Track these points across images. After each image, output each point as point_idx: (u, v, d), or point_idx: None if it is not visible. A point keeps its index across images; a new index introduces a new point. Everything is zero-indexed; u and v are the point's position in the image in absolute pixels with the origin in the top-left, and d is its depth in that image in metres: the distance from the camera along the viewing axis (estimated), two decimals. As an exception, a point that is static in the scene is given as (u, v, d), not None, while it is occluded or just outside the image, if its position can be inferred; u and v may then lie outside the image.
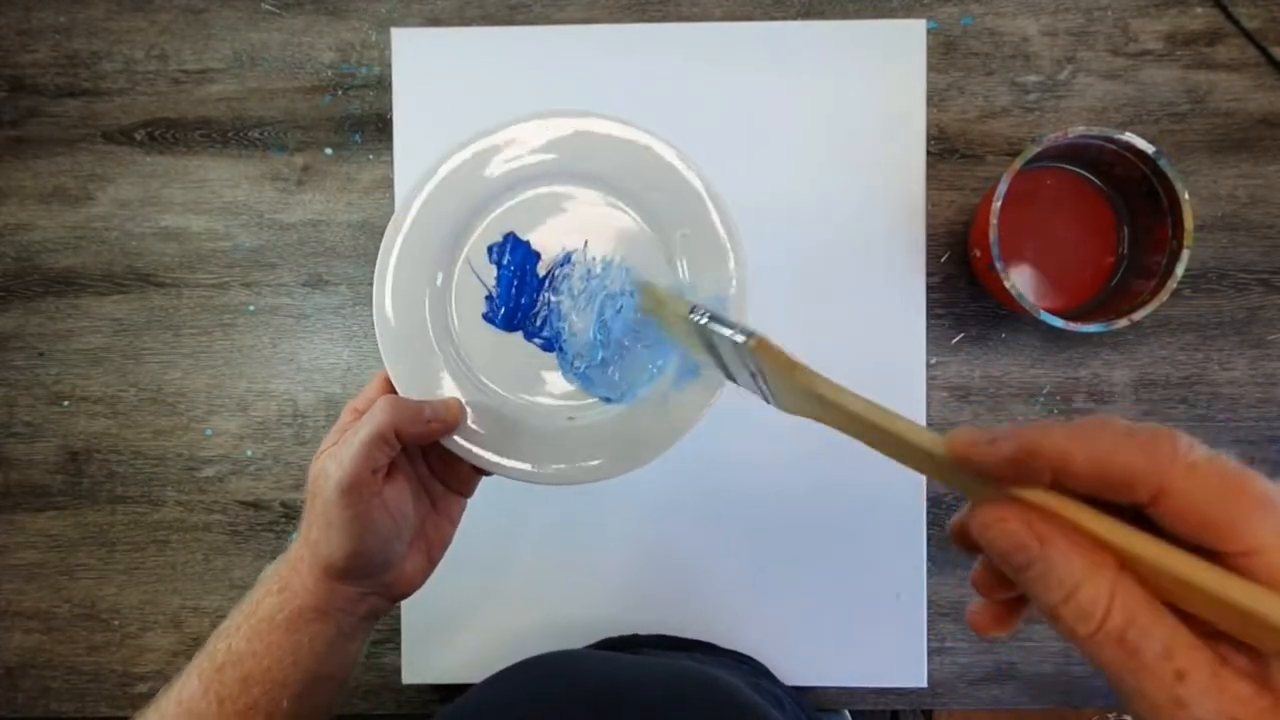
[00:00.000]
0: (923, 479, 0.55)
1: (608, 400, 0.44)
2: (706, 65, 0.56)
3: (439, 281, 0.44)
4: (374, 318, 0.43)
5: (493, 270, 0.44)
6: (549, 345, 0.44)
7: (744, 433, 0.56)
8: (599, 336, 0.43)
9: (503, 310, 0.44)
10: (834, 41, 0.56)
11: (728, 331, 0.33)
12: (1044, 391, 0.56)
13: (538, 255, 0.44)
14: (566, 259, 0.44)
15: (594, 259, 0.44)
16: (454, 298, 0.45)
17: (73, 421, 0.58)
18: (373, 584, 0.41)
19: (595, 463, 0.43)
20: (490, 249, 0.44)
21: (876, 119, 0.56)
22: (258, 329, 0.58)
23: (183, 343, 0.58)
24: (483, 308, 0.45)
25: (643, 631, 0.56)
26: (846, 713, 0.66)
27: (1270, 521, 0.19)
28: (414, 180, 0.44)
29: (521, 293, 0.44)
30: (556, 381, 0.44)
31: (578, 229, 0.44)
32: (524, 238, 0.44)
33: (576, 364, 0.44)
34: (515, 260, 0.44)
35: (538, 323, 0.44)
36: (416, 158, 0.56)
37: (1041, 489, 0.21)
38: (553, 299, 0.44)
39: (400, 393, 0.43)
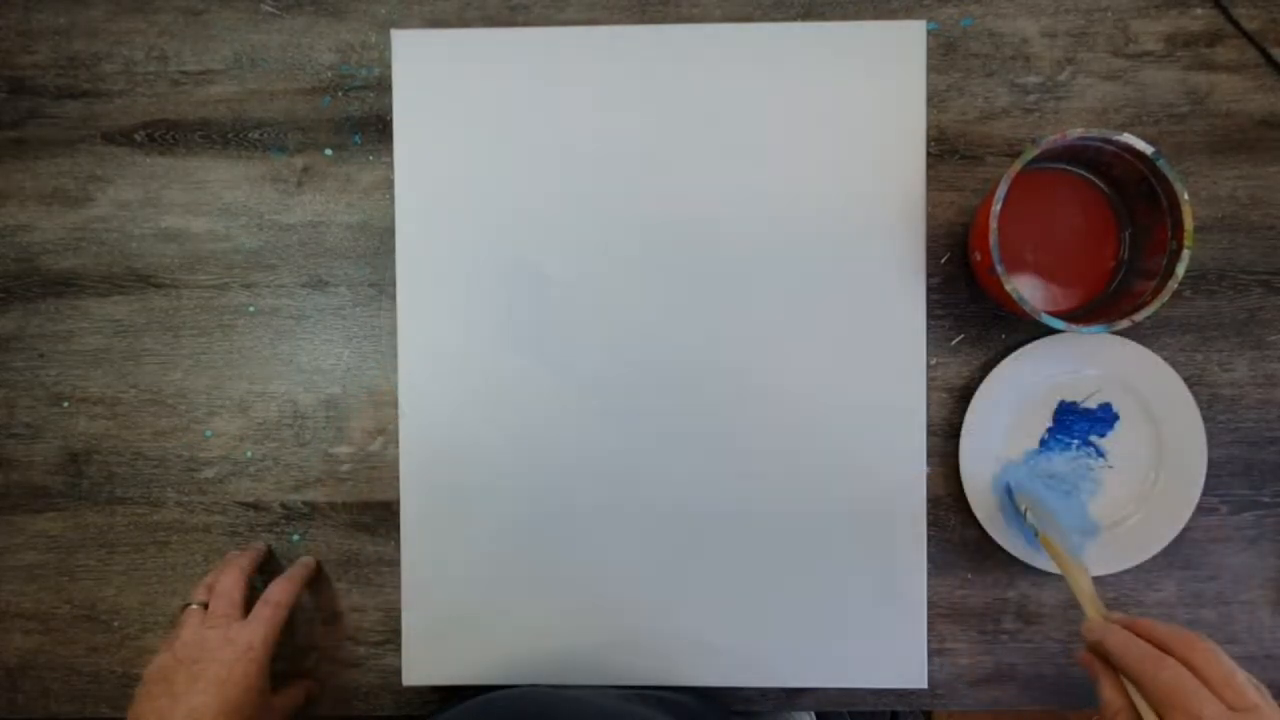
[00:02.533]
0: (923, 480, 0.56)
1: None
2: (707, 66, 0.56)
3: None
4: None
5: None
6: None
7: (746, 436, 0.56)
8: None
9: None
10: (834, 42, 0.56)
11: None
12: (1044, 392, 0.56)
13: None
14: None
15: None
16: None
17: (73, 422, 0.58)
18: None
19: None
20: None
21: (877, 120, 0.56)
22: (258, 330, 0.58)
23: (183, 344, 0.58)
24: None
25: (644, 635, 0.56)
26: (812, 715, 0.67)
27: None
28: None
29: None
30: None
31: None
32: None
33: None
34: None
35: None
36: (416, 159, 0.56)
37: None
38: None
39: None
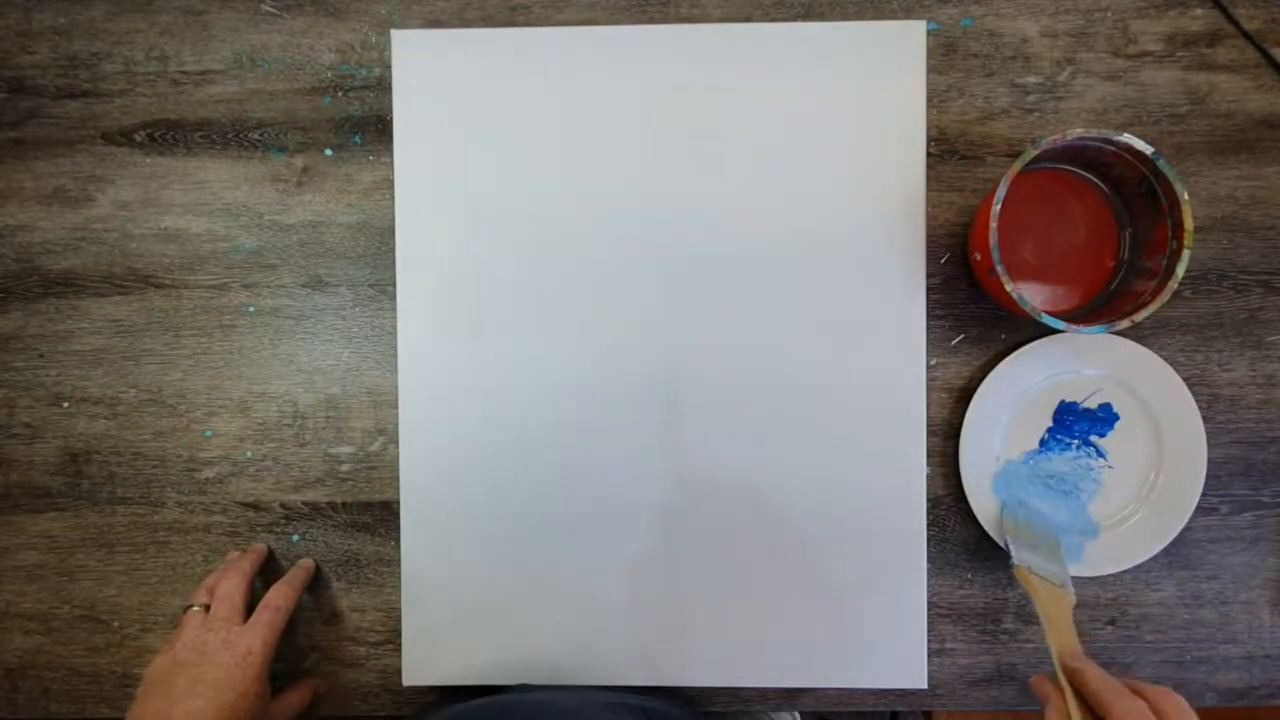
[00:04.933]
0: (923, 480, 0.56)
1: None
2: (706, 67, 0.56)
3: None
4: None
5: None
6: None
7: (746, 436, 0.56)
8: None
9: None
10: (834, 43, 0.56)
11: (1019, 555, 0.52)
12: (1044, 392, 0.56)
13: None
14: None
15: None
16: None
17: (73, 423, 0.58)
18: None
19: None
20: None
21: (877, 120, 0.56)
22: (258, 330, 0.58)
23: (183, 344, 0.58)
24: None
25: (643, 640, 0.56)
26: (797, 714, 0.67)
27: None
28: None
29: None
30: None
31: None
32: None
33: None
34: None
35: None
36: (416, 159, 0.56)
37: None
38: None
39: None
